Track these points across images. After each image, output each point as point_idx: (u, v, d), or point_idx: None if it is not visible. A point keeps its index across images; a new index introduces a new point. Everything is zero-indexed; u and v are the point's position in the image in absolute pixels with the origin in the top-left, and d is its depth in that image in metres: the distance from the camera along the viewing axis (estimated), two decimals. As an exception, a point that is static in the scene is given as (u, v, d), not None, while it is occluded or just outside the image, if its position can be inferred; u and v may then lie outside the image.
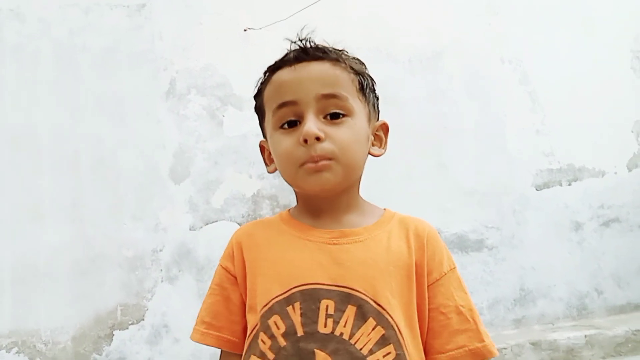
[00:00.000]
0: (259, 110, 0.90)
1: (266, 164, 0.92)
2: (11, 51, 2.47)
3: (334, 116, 0.81)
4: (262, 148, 0.92)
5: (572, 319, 2.92)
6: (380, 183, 2.85)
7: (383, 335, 0.75)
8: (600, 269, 3.02)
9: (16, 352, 2.28)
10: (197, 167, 2.60)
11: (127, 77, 2.57)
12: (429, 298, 0.81)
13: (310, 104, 0.80)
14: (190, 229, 2.53)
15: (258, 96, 0.91)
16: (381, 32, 2.95)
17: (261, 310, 0.79)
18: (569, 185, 3.09)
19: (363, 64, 0.91)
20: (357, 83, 0.86)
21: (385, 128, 0.91)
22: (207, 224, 2.55)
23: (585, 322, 2.86)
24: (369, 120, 0.87)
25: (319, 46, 0.87)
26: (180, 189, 2.56)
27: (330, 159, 0.79)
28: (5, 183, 2.39)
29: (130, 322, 2.40)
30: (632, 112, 3.23)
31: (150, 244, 2.48)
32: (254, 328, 0.80)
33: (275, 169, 0.88)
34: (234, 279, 0.85)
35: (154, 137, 2.57)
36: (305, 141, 0.78)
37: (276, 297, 0.78)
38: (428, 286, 0.82)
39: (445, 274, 0.84)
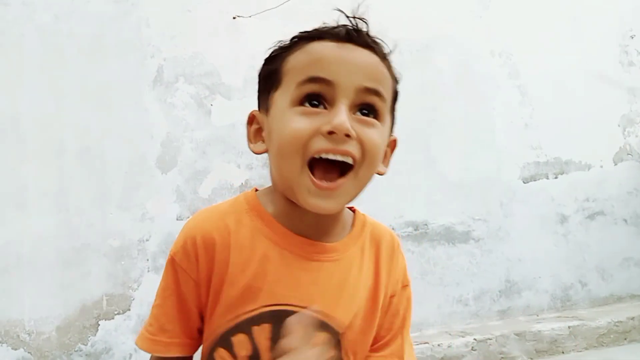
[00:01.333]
0: (271, 76, 0.73)
1: (250, 141, 0.76)
2: (-6, 36, 2.42)
3: (367, 114, 0.69)
4: (252, 119, 0.77)
5: (556, 310, 2.96)
6: (368, 174, 2.85)
7: None
8: (584, 262, 3.06)
9: (-1, 342, 2.26)
10: (185, 157, 2.57)
11: (113, 65, 2.53)
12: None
13: (347, 91, 0.67)
14: (177, 219, 2.51)
15: (274, 60, 0.74)
16: (371, 23, 2.92)
17: (225, 323, 0.71)
18: (556, 178, 3.12)
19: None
20: (393, 92, 0.75)
21: (393, 145, 0.81)
22: (194, 213, 2.53)
23: (569, 313, 2.90)
24: (389, 135, 0.77)
25: (371, 34, 0.75)
26: (168, 178, 2.54)
27: (349, 168, 0.68)
28: (-12, 171, 2.35)
29: (116, 312, 2.39)
30: (620, 106, 3.26)
31: (137, 233, 2.45)
32: (211, 340, 0.73)
33: (264, 151, 0.74)
34: (193, 282, 0.74)
35: (141, 125, 2.54)
36: (331, 133, 0.65)
37: (245, 312, 0.70)
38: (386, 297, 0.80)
39: (397, 292, 0.81)
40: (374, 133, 0.69)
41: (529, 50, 3.13)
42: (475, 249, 2.93)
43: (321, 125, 0.66)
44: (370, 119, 0.70)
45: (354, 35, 0.72)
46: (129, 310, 2.40)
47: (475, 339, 2.53)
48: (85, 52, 2.50)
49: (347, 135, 0.66)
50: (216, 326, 0.73)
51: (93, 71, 2.50)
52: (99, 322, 2.37)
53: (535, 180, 3.08)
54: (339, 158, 0.67)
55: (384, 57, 0.74)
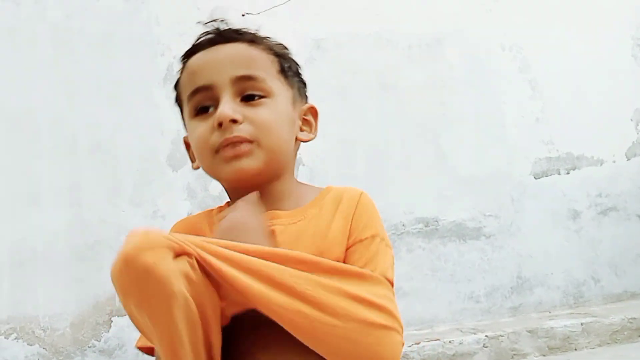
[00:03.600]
0: (177, 100, 0.85)
1: (192, 161, 0.85)
2: (7, 34, 2.44)
3: (250, 98, 0.76)
4: (187, 145, 0.86)
5: (568, 307, 2.94)
6: (378, 171, 2.85)
7: None
8: (597, 258, 3.03)
9: (15, 338, 2.28)
10: (195, 154, 2.58)
11: (124, 62, 2.55)
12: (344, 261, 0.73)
13: (224, 87, 0.75)
14: (188, 215, 2.52)
15: (176, 85, 0.85)
16: (381, 18, 2.92)
17: None
18: (568, 173, 3.09)
19: (286, 48, 0.85)
20: (277, 64, 0.81)
21: (314, 112, 0.86)
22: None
23: (581, 310, 2.88)
24: (294, 103, 0.82)
25: (235, 28, 0.81)
26: (179, 175, 2.55)
27: (250, 141, 0.74)
28: (3, 166, 2.37)
29: (128, 309, 2.41)
30: (632, 100, 3.22)
31: (149, 230, 2.47)
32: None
33: (199, 166, 0.83)
34: None
35: (152, 123, 2.55)
36: (220, 125, 0.73)
37: None
38: (346, 250, 0.74)
39: (362, 240, 0.74)
40: (261, 111, 0.76)
41: (540, 43, 3.10)
42: (487, 245, 2.91)
43: (213, 121, 0.75)
44: (256, 101, 0.76)
45: (215, 37, 0.80)
46: (141, 306, 2.42)
47: (486, 336, 2.51)
48: (96, 50, 2.52)
49: (234, 121, 0.74)
50: None
51: (104, 68, 2.51)
52: (112, 319, 2.39)
53: (546, 176, 3.06)
54: (237, 148, 0.74)
55: (251, 41, 0.80)
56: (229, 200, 0.86)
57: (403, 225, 2.78)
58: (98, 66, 2.52)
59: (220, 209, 0.84)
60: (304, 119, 0.84)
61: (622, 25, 3.24)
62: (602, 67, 3.16)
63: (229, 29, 0.80)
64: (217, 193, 2.59)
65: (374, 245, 0.75)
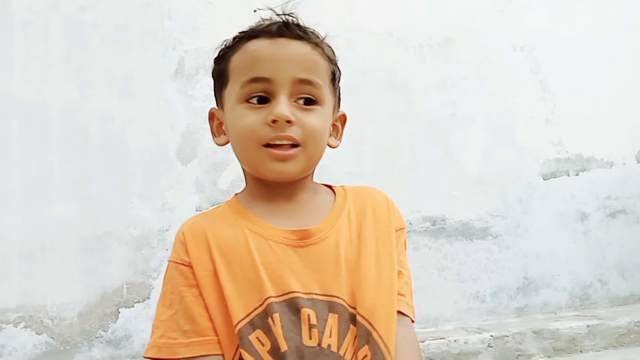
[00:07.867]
0: (220, 75, 0.83)
1: (214, 135, 0.86)
2: (21, 26, 2.46)
3: (307, 102, 0.78)
4: (212, 116, 0.86)
5: (574, 309, 2.93)
6: (386, 170, 2.85)
7: (361, 338, 0.73)
8: (604, 260, 3.02)
9: (23, 327, 2.31)
10: (204, 148, 2.60)
11: (136, 56, 2.57)
12: None
13: (285, 85, 0.76)
14: (196, 210, 2.54)
15: (221, 60, 0.83)
16: (392, 17, 2.92)
17: (238, 324, 0.73)
18: (577, 175, 3.07)
19: (334, 53, 0.87)
20: (330, 73, 0.83)
21: (343, 119, 0.90)
22: (213, 204, 2.56)
23: (588, 312, 2.86)
24: (334, 111, 0.86)
25: (301, 25, 0.82)
26: (187, 169, 2.57)
27: (297, 145, 0.77)
28: (15, 158, 2.40)
29: (135, 300, 2.43)
30: (644, 103, 3.20)
31: (157, 223, 2.49)
32: (235, 345, 0.74)
33: (226, 142, 0.84)
34: (193, 274, 0.77)
35: (162, 116, 2.57)
36: (274, 122, 0.75)
37: (255, 309, 0.73)
38: None
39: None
40: (312, 117, 0.78)
41: (552, 44, 3.08)
42: (493, 245, 2.91)
43: (266, 115, 0.76)
44: (310, 106, 0.78)
45: (284, 30, 0.79)
46: (149, 298, 2.44)
47: (491, 336, 2.51)
48: (108, 43, 2.54)
49: (288, 121, 0.75)
50: (230, 331, 0.74)
51: (116, 62, 2.54)
52: (119, 310, 2.41)
53: (555, 177, 3.04)
54: (284, 142, 0.76)
55: (315, 45, 0.81)
56: (237, 193, 0.87)
57: (410, 223, 2.78)
58: (110, 60, 2.54)
59: (229, 203, 0.85)
60: (333, 124, 0.87)
61: (634, 27, 3.21)
62: (613, 68, 3.14)
63: (297, 24, 0.81)
64: (225, 187, 2.61)
65: (402, 239, 0.90)
